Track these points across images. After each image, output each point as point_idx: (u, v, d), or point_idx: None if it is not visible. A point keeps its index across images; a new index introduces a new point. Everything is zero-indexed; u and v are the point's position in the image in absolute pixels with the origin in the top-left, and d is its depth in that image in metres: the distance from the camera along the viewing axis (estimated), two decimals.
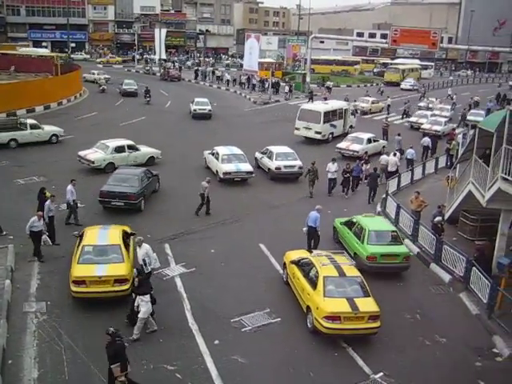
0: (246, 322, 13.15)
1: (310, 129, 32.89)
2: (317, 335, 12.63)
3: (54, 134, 29.59)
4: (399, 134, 30.57)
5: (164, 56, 74.30)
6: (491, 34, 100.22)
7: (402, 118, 42.98)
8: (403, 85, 65.10)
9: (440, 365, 12.14)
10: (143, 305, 11.98)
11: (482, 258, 15.56)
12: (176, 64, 76.53)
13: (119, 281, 13.25)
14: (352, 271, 13.62)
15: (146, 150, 25.93)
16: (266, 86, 54.08)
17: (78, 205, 18.77)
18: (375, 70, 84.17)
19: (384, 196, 21.88)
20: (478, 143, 17.70)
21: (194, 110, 39.66)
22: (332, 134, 33.92)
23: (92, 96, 47.60)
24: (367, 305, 12.68)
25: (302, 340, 12.66)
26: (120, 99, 46.15)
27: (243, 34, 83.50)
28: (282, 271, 15.79)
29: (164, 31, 72.47)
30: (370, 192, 22.75)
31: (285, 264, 15.42)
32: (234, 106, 46.43)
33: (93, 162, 23.87)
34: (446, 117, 39.83)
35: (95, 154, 24.29)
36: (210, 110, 39.87)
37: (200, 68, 69.63)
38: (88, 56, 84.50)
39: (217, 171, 24.44)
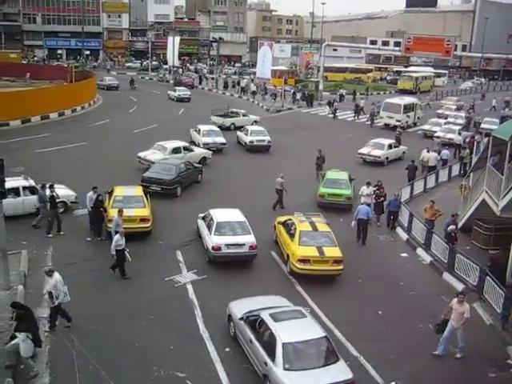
0: None
1: (392, 118, 40.83)
2: None
3: (254, 121, 39.61)
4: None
5: (177, 63, 74.82)
6: (506, 41, 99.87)
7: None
8: (463, 85, 74.51)
9: (453, 375, 12.00)
10: (20, 343, 10.64)
11: (496, 268, 15.42)
12: (190, 70, 77.25)
13: (143, 220, 17.92)
14: (324, 227, 16.89)
15: (199, 151, 28.24)
16: (298, 97, 54.15)
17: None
18: (388, 78, 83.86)
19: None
20: (491, 151, 17.57)
21: (179, 95, 51.81)
22: (407, 122, 41.38)
23: (106, 103, 48.02)
24: (332, 251, 15.78)
25: None
26: (134, 106, 46.51)
27: (256, 41, 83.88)
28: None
29: (177, 39, 72.98)
30: (409, 182, 24.63)
31: (275, 226, 18.57)
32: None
33: (153, 163, 24.90)
34: (460, 124, 38.49)
35: (154, 155, 25.80)
36: (190, 95, 52.33)
37: (214, 76, 69.88)
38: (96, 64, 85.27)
39: (198, 143, 30.74)
